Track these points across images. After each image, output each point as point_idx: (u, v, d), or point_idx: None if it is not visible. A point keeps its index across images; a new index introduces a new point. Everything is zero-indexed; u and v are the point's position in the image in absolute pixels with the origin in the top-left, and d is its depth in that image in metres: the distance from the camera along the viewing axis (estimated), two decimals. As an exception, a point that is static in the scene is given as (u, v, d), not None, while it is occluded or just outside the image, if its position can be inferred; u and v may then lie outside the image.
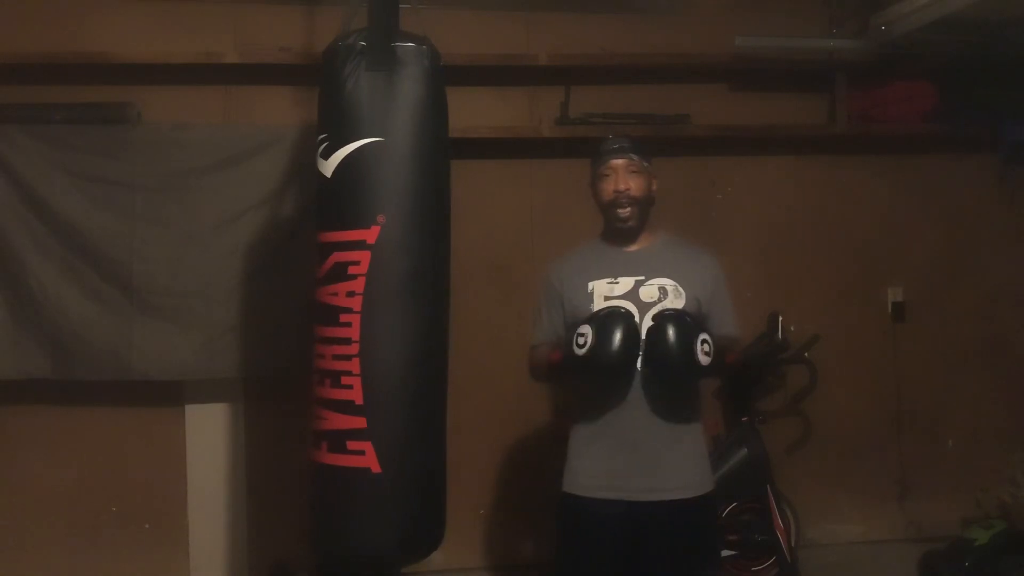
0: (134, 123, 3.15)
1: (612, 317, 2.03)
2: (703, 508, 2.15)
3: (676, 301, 2.12)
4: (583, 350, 2.00)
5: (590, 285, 2.16)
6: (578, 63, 3.41)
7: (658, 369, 2.03)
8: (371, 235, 2.04)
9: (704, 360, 1.98)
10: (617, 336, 1.99)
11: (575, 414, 2.20)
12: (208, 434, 3.27)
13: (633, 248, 2.21)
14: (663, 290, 2.13)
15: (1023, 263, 3.76)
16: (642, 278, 2.14)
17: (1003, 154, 3.69)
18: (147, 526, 3.27)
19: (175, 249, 3.09)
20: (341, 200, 2.08)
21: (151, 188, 3.09)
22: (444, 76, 2.17)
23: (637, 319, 2.08)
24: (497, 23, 3.43)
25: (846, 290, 3.69)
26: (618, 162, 2.18)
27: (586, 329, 2.02)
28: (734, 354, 2.15)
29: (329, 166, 2.09)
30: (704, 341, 1.99)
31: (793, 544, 3.18)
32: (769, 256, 3.64)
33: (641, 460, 2.10)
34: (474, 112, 3.23)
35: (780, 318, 3.28)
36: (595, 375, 2.08)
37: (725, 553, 3.17)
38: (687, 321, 2.02)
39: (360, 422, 2.03)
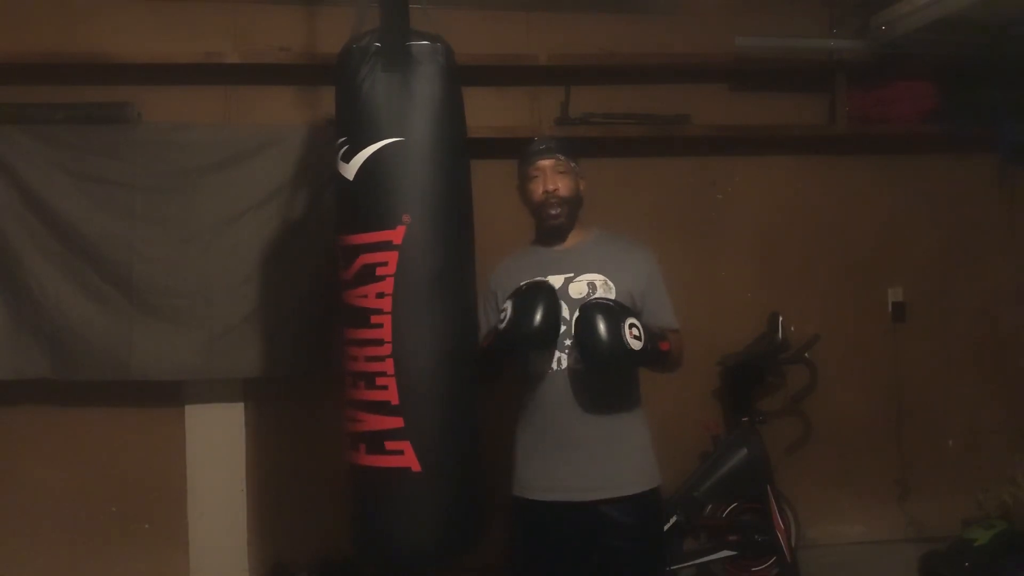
0: (134, 123, 3.15)
1: (531, 289, 2.06)
2: (648, 504, 2.17)
3: (605, 295, 2.14)
4: (504, 324, 2.03)
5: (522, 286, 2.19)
6: (578, 63, 3.41)
7: (589, 358, 2.02)
8: (397, 235, 2.03)
9: (635, 344, 1.97)
10: (535, 307, 2.01)
11: (517, 418, 2.23)
12: (208, 434, 3.27)
13: (563, 246, 2.25)
14: (592, 285, 2.15)
15: (1023, 263, 3.76)
16: (571, 275, 2.17)
17: (1003, 154, 3.69)
18: (147, 526, 3.27)
19: (175, 249, 3.09)
20: (365, 202, 2.07)
21: (151, 188, 3.09)
22: (459, 73, 2.17)
23: (568, 316, 2.10)
24: (497, 23, 3.43)
25: (846, 290, 3.69)
26: (545, 163, 2.22)
27: (507, 304, 2.05)
28: (668, 342, 2.12)
29: (351, 169, 2.08)
30: (632, 325, 1.98)
31: (793, 544, 3.18)
32: (769, 256, 3.64)
33: (582, 459, 2.12)
34: (474, 112, 3.17)
35: (780, 318, 3.28)
36: (517, 347, 2.09)
37: (725, 553, 3.17)
38: (611, 306, 2.03)
39: (397, 422, 2.01)
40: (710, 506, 3.23)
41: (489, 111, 3.37)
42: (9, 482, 3.22)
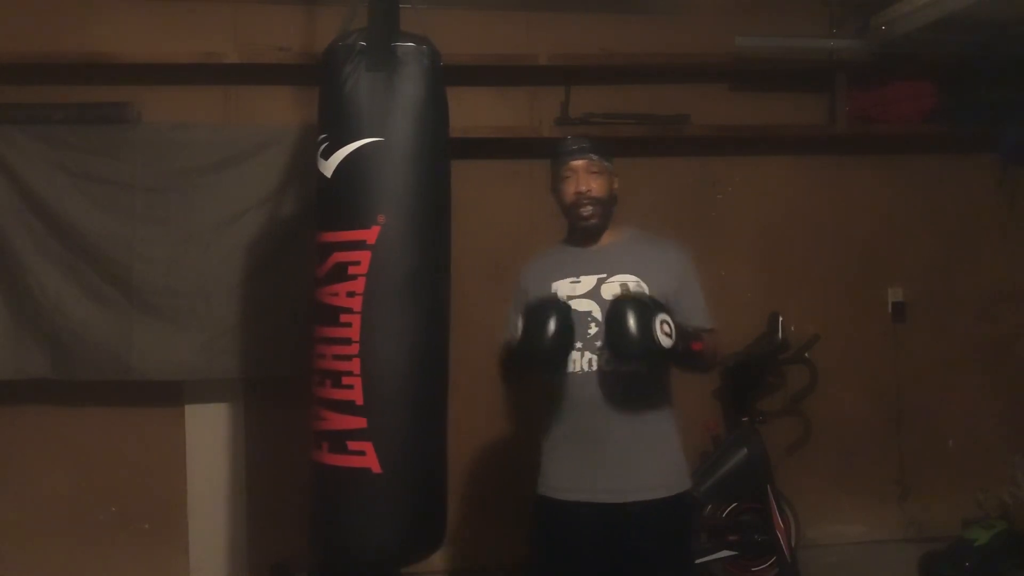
0: (134, 123, 3.15)
1: (542, 306, 2.03)
2: (677, 508, 2.14)
3: None
4: (516, 340, 2.02)
5: (553, 286, 2.17)
6: (578, 63, 3.41)
7: (619, 354, 1.99)
8: (371, 235, 2.03)
9: (665, 341, 1.92)
10: (545, 324, 1.97)
11: (545, 416, 2.20)
12: (208, 434, 3.27)
13: (596, 246, 2.22)
14: (625, 287, 2.11)
15: (1023, 263, 3.76)
16: (604, 275, 2.14)
17: (1003, 154, 3.69)
18: (147, 526, 3.28)
19: (175, 249, 3.09)
20: (341, 200, 2.08)
21: (151, 188, 3.10)
22: (444, 76, 2.17)
23: (600, 317, 2.08)
24: (497, 23, 3.43)
25: (846, 290, 3.69)
26: (578, 163, 2.17)
27: (519, 320, 2.03)
28: (701, 342, 2.08)
29: (329, 166, 2.09)
30: (664, 322, 1.93)
31: (793, 544, 3.17)
32: (769, 256, 3.64)
33: (611, 461, 2.09)
34: (474, 112, 3.23)
35: (780, 318, 3.28)
36: (527, 363, 2.08)
37: (725, 553, 3.17)
38: (643, 302, 1.98)
39: (360, 422, 2.02)
40: (710, 506, 3.23)
41: (489, 111, 3.38)
42: (9, 482, 3.22)
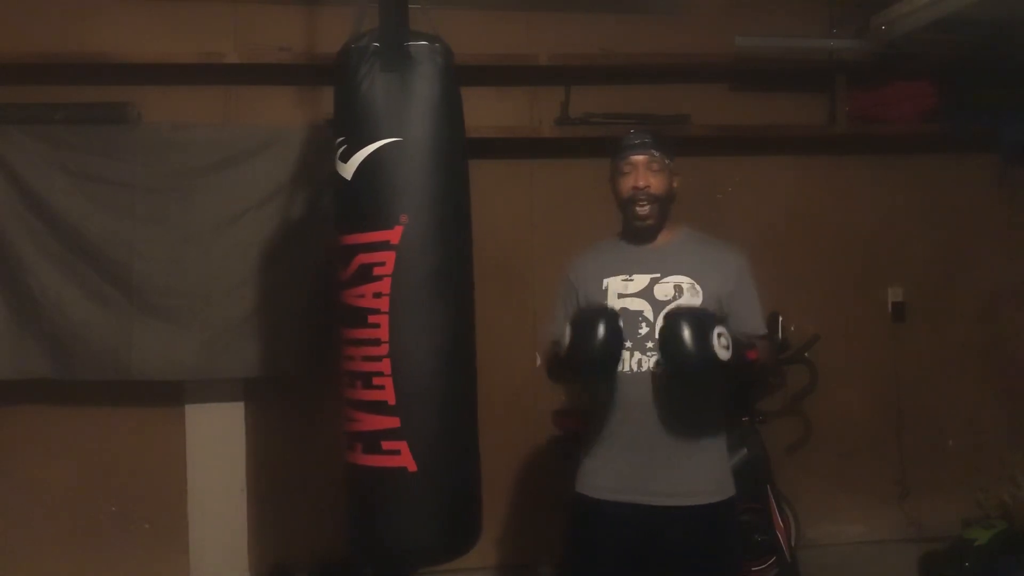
0: (134, 123, 3.15)
1: (591, 316, 1.99)
2: (721, 514, 2.10)
3: (692, 299, 2.07)
4: (565, 349, 1.99)
5: (604, 282, 2.13)
6: (578, 63, 3.41)
7: (676, 368, 1.95)
8: (395, 235, 2.03)
9: (723, 354, 1.88)
10: (594, 335, 1.94)
11: (591, 413, 2.17)
12: (208, 434, 3.27)
13: (651, 245, 2.17)
14: (678, 288, 2.08)
15: (1023, 263, 3.76)
16: (657, 275, 2.10)
17: (1003, 154, 3.69)
18: (147, 526, 3.28)
19: (175, 249, 3.09)
20: (363, 202, 2.07)
21: (151, 188, 3.10)
22: (458, 73, 2.16)
23: (651, 317, 2.05)
24: (497, 23, 3.43)
25: (846, 290, 3.69)
26: (638, 158, 2.12)
27: (568, 328, 2.00)
28: (756, 351, 2.04)
29: (349, 169, 2.08)
30: (720, 335, 1.90)
31: (793, 544, 3.17)
32: (769, 256, 3.62)
33: (656, 463, 2.05)
34: (474, 112, 3.18)
35: (780, 318, 3.27)
36: (576, 374, 2.06)
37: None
38: (700, 316, 1.94)
39: (394, 422, 2.02)
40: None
41: (489, 111, 3.37)
42: (9, 482, 3.22)
